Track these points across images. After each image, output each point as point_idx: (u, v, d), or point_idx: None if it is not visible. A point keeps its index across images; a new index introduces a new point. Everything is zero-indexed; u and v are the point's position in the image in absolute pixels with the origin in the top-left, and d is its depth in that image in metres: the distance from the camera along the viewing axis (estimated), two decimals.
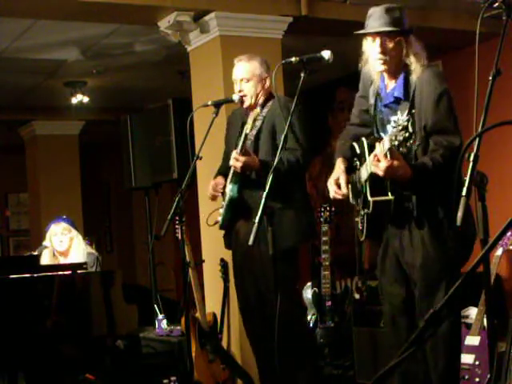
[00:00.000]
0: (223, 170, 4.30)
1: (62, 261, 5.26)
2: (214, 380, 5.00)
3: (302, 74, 3.45)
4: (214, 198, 4.29)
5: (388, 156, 3.02)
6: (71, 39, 6.10)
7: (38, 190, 8.92)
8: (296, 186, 4.14)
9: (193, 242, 5.31)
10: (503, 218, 2.01)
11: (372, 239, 3.53)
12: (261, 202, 3.30)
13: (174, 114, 5.97)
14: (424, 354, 3.29)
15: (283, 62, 3.57)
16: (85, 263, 4.65)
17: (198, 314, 5.17)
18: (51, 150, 8.89)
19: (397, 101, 3.29)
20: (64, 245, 5.27)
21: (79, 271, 4.44)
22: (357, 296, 5.80)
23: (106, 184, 11.32)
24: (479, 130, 2.34)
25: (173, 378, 4.83)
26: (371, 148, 3.19)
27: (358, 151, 3.36)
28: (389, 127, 3.29)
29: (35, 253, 5.38)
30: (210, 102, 4.18)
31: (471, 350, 4.36)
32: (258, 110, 4.16)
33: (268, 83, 4.19)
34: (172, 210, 3.85)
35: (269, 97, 4.21)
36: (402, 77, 3.28)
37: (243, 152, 3.98)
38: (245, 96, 4.17)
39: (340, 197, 3.39)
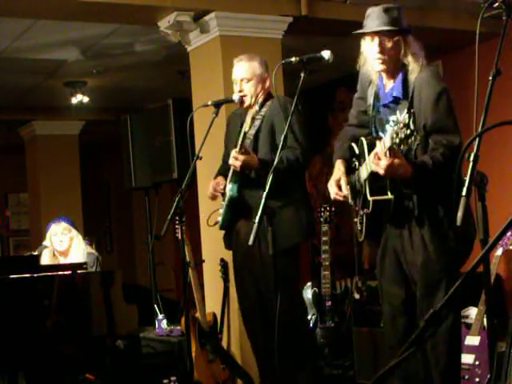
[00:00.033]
0: (223, 171, 4.30)
1: (62, 261, 5.27)
2: (214, 380, 5.00)
3: (302, 74, 3.45)
4: (214, 197, 4.28)
5: (388, 154, 3.02)
6: (71, 39, 6.10)
7: (38, 190, 8.92)
8: (296, 185, 4.14)
9: (193, 242, 5.31)
10: (503, 217, 2.00)
11: (371, 239, 3.53)
12: (261, 202, 3.30)
13: (174, 114, 5.97)
14: (424, 354, 3.29)
15: (283, 62, 3.57)
16: (85, 263, 4.65)
17: (198, 314, 5.17)
18: (51, 150, 8.90)
19: (396, 100, 3.29)
20: (64, 245, 5.28)
21: (79, 271, 4.44)
22: (357, 296, 5.80)
23: (106, 184, 11.32)
24: (479, 129, 2.34)
25: (173, 378, 4.82)
26: (371, 147, 3.19)
27: (356, 152, 3.37)
28: (388, 127, 3.29)
29: (35, 253, 5.38)
30: (210, 102, 4.18)
31: (471, 349, 4.36)
32: (256, 108, 4.16)
33: (268, 83, 4.19)
34: (172, 210, 3.85)
35: (267, 97, 4.21)
36: (400, 76, 3.28)
37: (242, 151, 3.98)
38: (245, 96, 4.17)
39: (341, 198, 3.40)
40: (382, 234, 3.43)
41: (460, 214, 2.25)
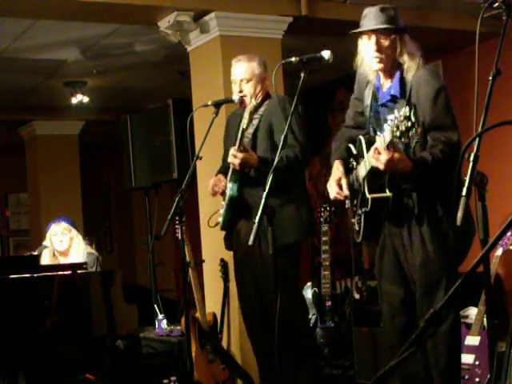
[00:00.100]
0: (223, 171, 4.29)
1: (62, 261, 5.27)
2: (214, 380, 5.00)
3: (302, 74, 3.46)
4: (214, 193, 4.27)
5: (388, 149, 3.02)
6: (71, 39, 6.10)
7: (38, 190, 8.92)
8: (295, 183, 4.14)
9: (193, 242, 5.31)
10: (503, 217, 2.01)
11: (369, 239, 3.53)
12: (261, 201, 3.30)
13: (174, 114, 5.97)
14: (425, 354, 3.29)
15: (283, 62, 3.57)
16: (85, 263, 4.65)
17: (198, 314, 5.17)
18: (51, 150, 8.89)
19: (393, 99, 3.30)
20: (64, 245, 5.28)
21: (79, 271, 4.44)
22: (357, 296, 5.80)
23: (106, 184, 11.32)
24: (479, 129, 2.34)
25: (173, 378, 4.82)
26: (369, 145, 3.19)
27: (354, 152, 3.38)
28: (386, 126, 3.29)
29: (35, 253, 5.38)
30: (209, 102, 4.18)
31: (471, 349, 4.36)
32: (253, 103, 4.16)
33: (267, 83, 4.19)
34: (172, 210, 3.85)
35: (266, 96, 4.21)
36: (397, 75, 3.29)
37: (241, 149, 3.97)
38: (245, 96, 4.18)
39: (342, 198, 3.41)
40: (380, 234, 3.43)
41: (460, 214, 2.25)
